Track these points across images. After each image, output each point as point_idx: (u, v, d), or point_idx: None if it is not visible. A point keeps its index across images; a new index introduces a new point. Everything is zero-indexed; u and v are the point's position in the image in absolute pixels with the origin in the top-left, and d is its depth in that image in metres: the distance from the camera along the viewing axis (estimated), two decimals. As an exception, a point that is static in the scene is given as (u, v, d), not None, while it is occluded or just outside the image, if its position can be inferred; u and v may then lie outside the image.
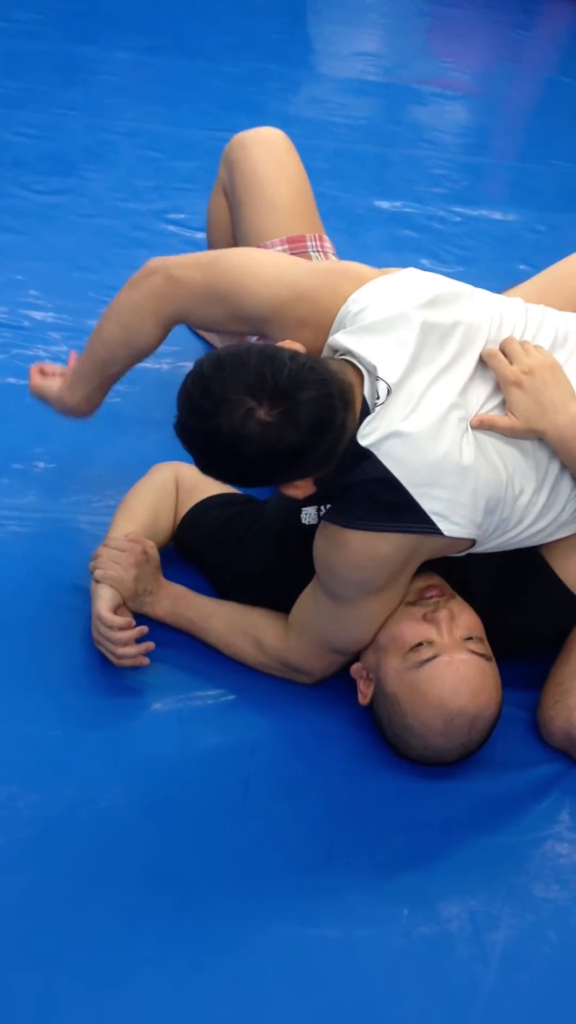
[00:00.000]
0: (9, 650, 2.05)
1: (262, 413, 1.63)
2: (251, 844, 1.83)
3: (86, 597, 2.13)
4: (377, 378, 1.77)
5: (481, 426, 1.84)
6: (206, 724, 2.00)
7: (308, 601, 2.01)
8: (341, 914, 1.76)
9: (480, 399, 1.88)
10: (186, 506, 2.21)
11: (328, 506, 1.90)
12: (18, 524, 2.29)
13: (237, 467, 1.71)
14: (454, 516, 1.80)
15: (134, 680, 2.04)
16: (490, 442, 1.86)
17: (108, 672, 2.03)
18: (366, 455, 1.76)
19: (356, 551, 1.82)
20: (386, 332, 1.82)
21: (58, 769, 1.88)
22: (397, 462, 1.76)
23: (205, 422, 1.66)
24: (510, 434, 1.87)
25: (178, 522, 2.21)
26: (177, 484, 2.22)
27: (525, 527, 1.94)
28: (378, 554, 1.82)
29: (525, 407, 1.86)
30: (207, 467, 1.77)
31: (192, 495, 2.21)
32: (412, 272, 1.96)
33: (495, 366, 1.89)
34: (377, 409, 1.77)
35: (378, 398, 1.77)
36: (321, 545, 1.90)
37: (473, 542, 1.90)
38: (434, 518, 1.79)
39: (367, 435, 1.76)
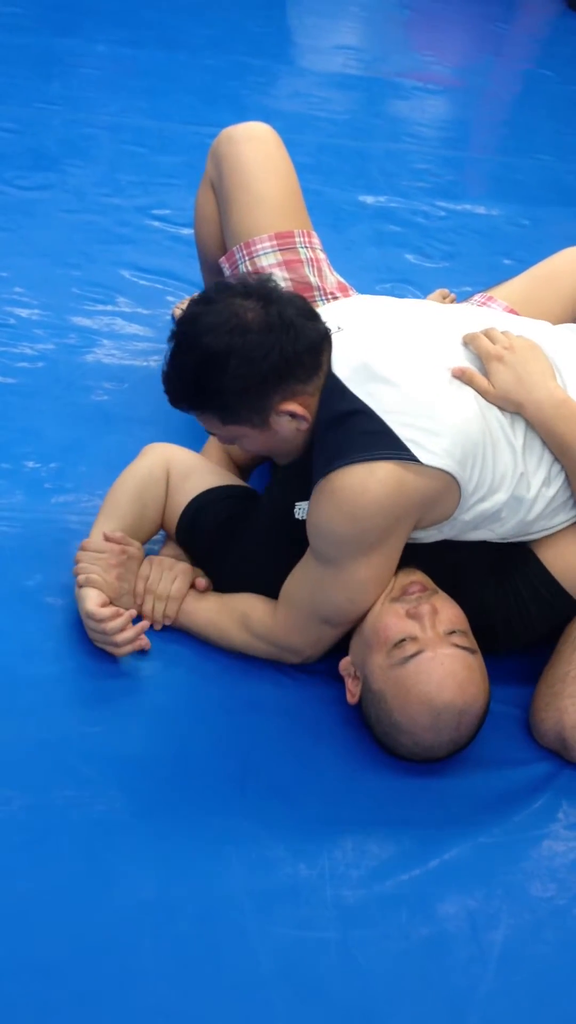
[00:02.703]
0: None
1: (252, 303, 1.85)
2: (248, 845, 1.82)
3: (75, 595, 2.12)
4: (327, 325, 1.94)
5: (462, 377, 1.92)
6: (201, 725, 1.99)
7: (298, 571, 2.01)
8: (339, 916, 1.75)
9: (459, 359, 1.96)
10: (180, 494, 2.18)
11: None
12: (7, 524, 2.28)
13: (238, 365, 1.82)
14: (430, 444, 1.83)
15: (128, 681, 2.03)
16: (470, 391, 1.92)
17: (101, 673, 2.03)
18: (342, 392, 1.87)
19: (346, 493, 1.83)
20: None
21: (53, 772, 1.87)
22: (373, 396, 1.86)
23: (204, 319, 1.84)
24: (485, 396, 1.92)
25: (173, 510, 2.18)
26: (168, 471, 2.20)
27: (511, 492, 1.94)
28: (367, 492, 1.82)
29: (504, 379, 1.92)
30: (206, 394, 1.87)
31: (187, 483, 2.19)
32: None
33: (478, 344, 1.97)
34: (341, 340, 1.92)
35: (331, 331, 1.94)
36: (312, 509, 1.91)
37: (459, 491, 1.89)
38: (409, 445, 1.82)
39: (341, 366, 1.90)
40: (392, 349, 1.93)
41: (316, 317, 1.92)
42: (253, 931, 1.71)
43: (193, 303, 1.90)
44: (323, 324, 1.92)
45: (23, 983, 1.61)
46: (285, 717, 2.03)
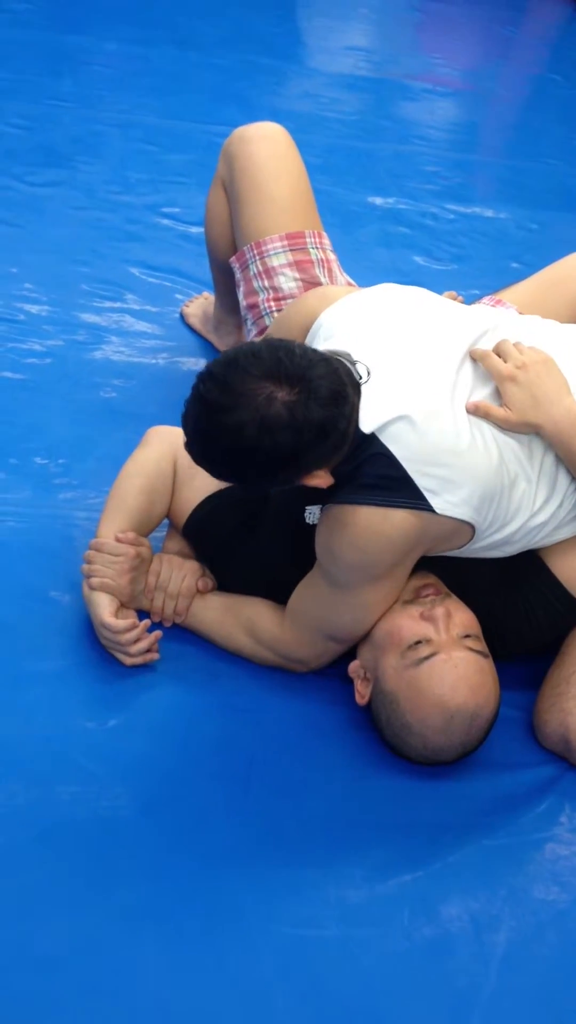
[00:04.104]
0: (6, 646, 2.04)
1: (283, 394, 1.65)
2: (251, 844, 1.83)
3: (82, 593, 2.12)
4: (353, 362, 1.80)
5: (476, 412, 1.87)
6: (206, 724, 2.00)
7: (306, 588, 2.01)
8: (342, 915, 1.76)
9: (470, 385, 1.91)
10: (189, 489, 2.16)
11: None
12: (15, 519, 2.28)
13: (265, 460, 1.69)
14: (447, 495, 1.81)
15: (134, 678, 2.03)
16: (487, 428, 1.88)
17: (107, 670, 2.03)
18: (369, 440, 1.80)
19: (360, 530, 1.82)
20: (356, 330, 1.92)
21: (57, 767, 1.87)
22: (396, 441, 1.80)
23: (227, 417, 1.66)
24: (505, 425, 1.88)
25: (180, 504, 2.17)
26: (176, 461, 2.17)
27: (523, 521, 1.94)
28: (382, 534, 1.82)
29: (520, 400, 1.88)
30: (231, 471, 1.76)
31: (196, 479, 2.15)
32: (383, 289, 2.04)
33: (489, 363, 1.92)
34: (366, 390, 1.80)
35: (361, 378, 1.79)
36: (324, 529, 1.90)
37: (473, 531, 1.89)
38: (427, 495, 1.80)
39: (368, 421, 1.79)
40: (412, 384, 1.85)
41: (345, 401, 1.73)
42: (255, 929, 1.72)
43: (215, 388, 1.69)
44: (351, 407, 1.76)
45: (25, 978, 1.61)
46: (290, 717, 2.03)
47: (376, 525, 1.82)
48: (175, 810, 1.85)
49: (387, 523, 1.81)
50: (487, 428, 1.88)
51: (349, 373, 1.77)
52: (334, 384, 1.70)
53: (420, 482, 1.81)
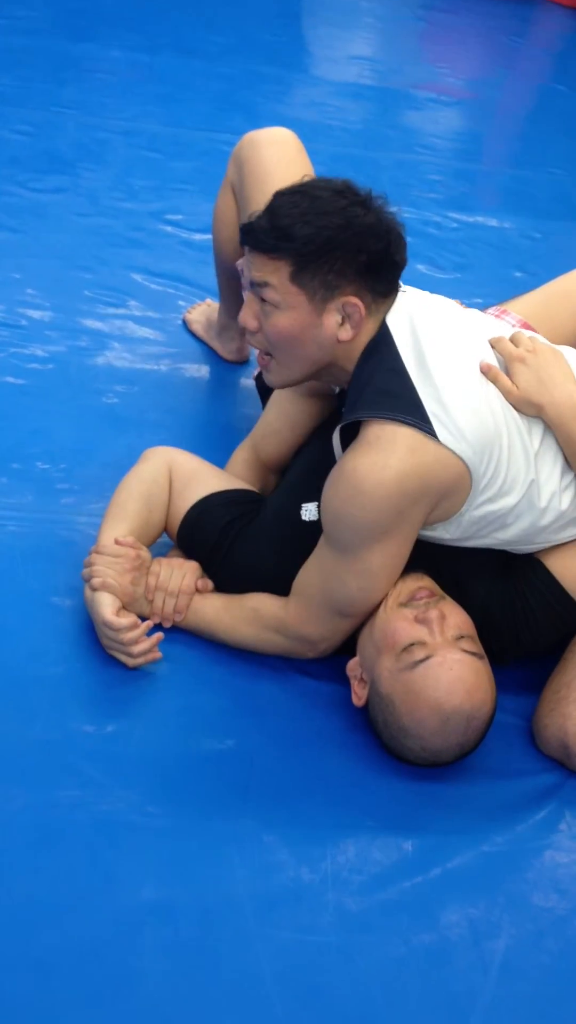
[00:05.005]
0: (6, 651, 2.04)
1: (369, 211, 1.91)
2: (250, 849, 1.82)
3: (83, 597, 2.12)
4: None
5: (488, 373, 1.95)
6: (206, 728, 1.99)
7: (311, 563, 2.02)
8: (340, 921, 1.75)
9: (488, 357, 2.00)
10: (183, 498, 2.19)
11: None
12: (16, 523, 2.28)
13: (347, 228, 1.86)
14: (451, 425, 1.85)
15: (132, 683, 2.03)
16: (494, 392, 1.95)
17: (106, 673, 2.03)
18: (390, 347, 1.90)
19: (363, 477, 1.83)
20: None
21: (57, 771, 1.87)
22: (411, 360, 1.89)
23: (324, 185, 1.95)
24: (508, 398, 1.95)
25: (175, 513, 2.19)
26: (171, 474, 2.20)
27: (522, 494, 1.95)
28: (385, 474, 1.82)
29: (526, 380, 1.95)
30: (292, 227, 1.86)
31: (189, 486, 2.19)
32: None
33: (502, 347, 2.01)
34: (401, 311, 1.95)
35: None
36: (330, 492, 1.92)
37: (470, 483, 1.90)
38: (432, 418, 1.84)
39: (396, 328, 1.92)
40: (442, 328, 1.96)
41: (401, 238, 1.96)
42: (254, 934, 1.71)
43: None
44: (403, 247, 1.96)
45: (24, 982, 1.61)
46: (290, 720, 2.03)
47: (382, 458, 1.83)
48: (173, 814, 1.85)
49: (393, 454, 1.82)
50: (494, 391, 1.95)
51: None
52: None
53: (428, 405, 1.85)
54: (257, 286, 1.91)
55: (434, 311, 2.00)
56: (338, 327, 1.90)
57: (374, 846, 1.86)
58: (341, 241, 1.85)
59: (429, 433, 1.83)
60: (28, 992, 1.60)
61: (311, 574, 2.01)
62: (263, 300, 1.91)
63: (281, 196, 1.92)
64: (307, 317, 1.89)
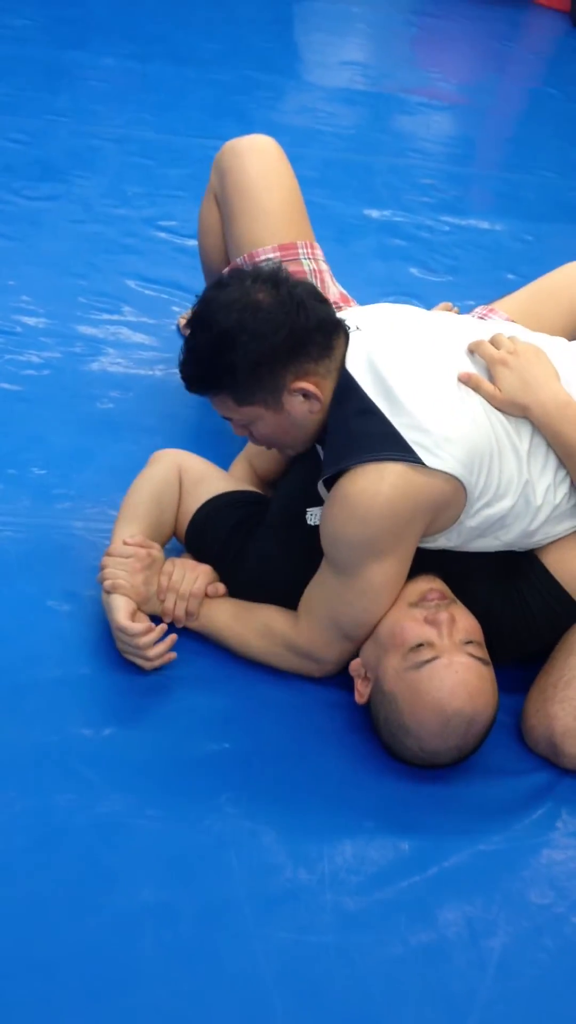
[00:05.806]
0: (3, 655, 2.05)
1: (263, 285, 1.93)
2: (249, 849, 1.83)
3: (81, 603, 2.14)
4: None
5: (468, 382, 1.96)
6: (203, 729, 2.00)
7: (315, 585, 2.03)
8: (339, 921, 1.76)
9: (466, 365, 2.00)
10: (192, 499, 2.20)
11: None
12: (13, 529, 2.29)
13: (250, 344, 1.88)
14: (436, 450, 1.86)
15: (130, 686, 2.03)
16: (477, 400, 1.96)
17: (104, 678, 2.04)
18: (356, 392, 1.91)
19: (357, 501, 1.85)
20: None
21: (55, 775, 1.87)
22: (385, 399, 1.90)
23: (215, 304, 1.92)
24: (492, 402, 1.96)
25: (185, 515, 2.20)
26: (181, 475, 2.21)
27: (517, 496, 1.96)
28: (378, 494, 1.84)
29: (509, 382, 1.96)
30: (217, 368, 1.92)
31: (199, 488, 2.20)
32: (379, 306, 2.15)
33: (483, 350, 2.01)
34: (358, 350, 1.96)
35: (350, 329, 2.01)
36: (326, 515, 1.94)
37: (465, 496, 1.91)
38: (415, 448, 1.85)
39: (356, 367, 1.93)
40: (404, 354, 1.96)
41: (326, 302, 2.00)
42: (253, 934, 1.72)
43: (207, 288, 2.00)
44: (333, 309, 1.99)
45: (25, 983, 1.61)
46: (289, 721, 2.04)
47: (372, 487, 1.85)
48: (172, 816, 1.85)
49: (383, 482, 1.84)
50: (477, 399, 1.95)
51: (324, 298, 2.01)
52: (309, 285, 2.00)
53: (408, 436, 1.86)
54: (224, 416, 2.04)
55: (394, 341, 1.99)
56: (304, 406, 1.96)
57: (371, 846, 1.87)
58: (259, 358, 1.90)
59: (415, 462, 1.85)
60: (29, 993, 1.60)
61: (316, 597, 2.02)
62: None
63: (192, 333, 1.97)
64: (274, 417, 1.98)
